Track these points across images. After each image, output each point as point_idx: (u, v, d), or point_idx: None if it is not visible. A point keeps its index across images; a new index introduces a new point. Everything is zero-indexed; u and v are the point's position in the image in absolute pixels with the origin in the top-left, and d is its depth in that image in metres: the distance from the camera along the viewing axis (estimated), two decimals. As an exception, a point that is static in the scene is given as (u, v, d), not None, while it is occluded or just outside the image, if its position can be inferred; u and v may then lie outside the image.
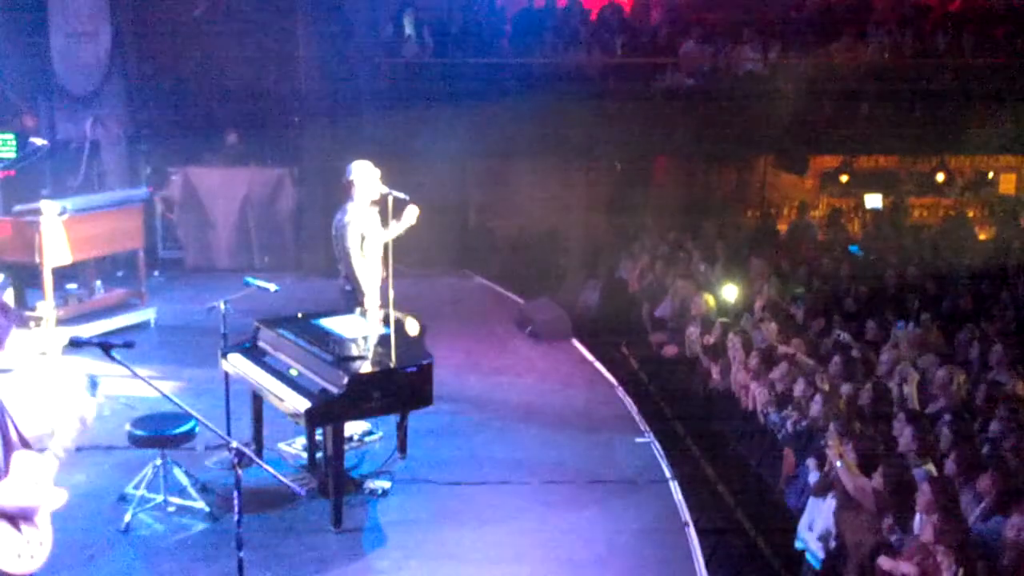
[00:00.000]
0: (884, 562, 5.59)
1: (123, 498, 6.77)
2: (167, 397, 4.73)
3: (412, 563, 6.29)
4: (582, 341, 11.00)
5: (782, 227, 15.63)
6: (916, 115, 14.45)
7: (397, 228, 7.79)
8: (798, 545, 6.67)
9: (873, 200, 16.61)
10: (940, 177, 17.32)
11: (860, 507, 6.07)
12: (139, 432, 6.68)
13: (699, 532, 6.82)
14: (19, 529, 4.10)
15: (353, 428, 7.72)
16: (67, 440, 4.32)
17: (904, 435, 6.62)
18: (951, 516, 5.35)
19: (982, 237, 15.59)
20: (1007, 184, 17.69)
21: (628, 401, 9.31)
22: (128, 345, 4.54)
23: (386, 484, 7.22)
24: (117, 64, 13.32)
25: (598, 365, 10.34)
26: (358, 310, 7.66)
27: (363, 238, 7.70)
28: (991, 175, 17.68)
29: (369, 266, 7.77)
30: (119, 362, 4.50)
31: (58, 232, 9.77)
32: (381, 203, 7.56)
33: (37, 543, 4.17)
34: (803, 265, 12.05)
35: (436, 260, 13.59)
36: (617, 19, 15.34)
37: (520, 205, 14.53)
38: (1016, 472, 6.12)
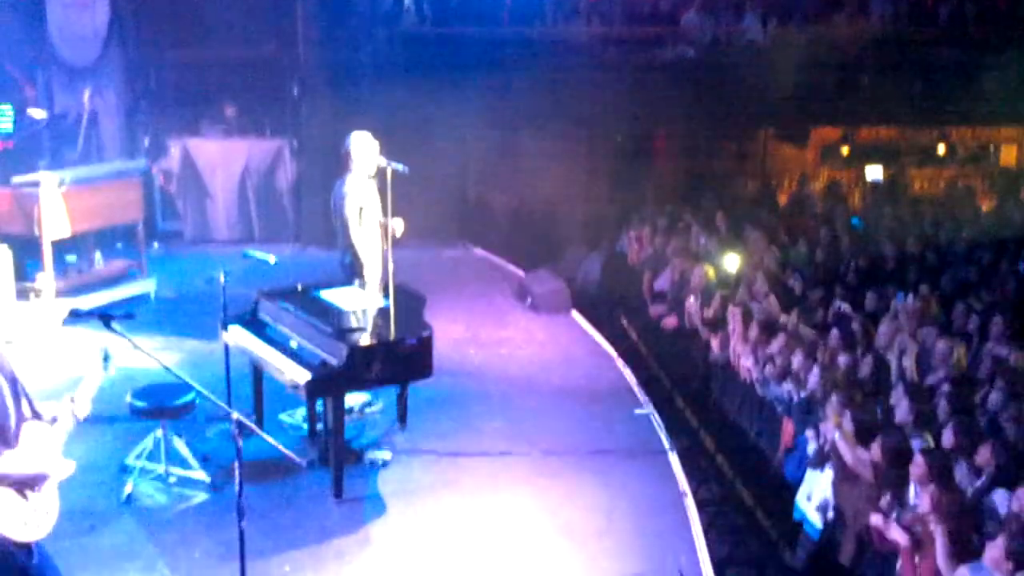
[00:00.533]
0: (875, 519, 5.63)
1: (124, 469, 6.81)
2: (167, 368, 4.74)
3: (412, 532, 6.34)
4: (582, 313, 11.02)
5: (782, 199, 15.59)
6: (917, 87, 14.39)
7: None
8: (796, 516, 6.71)
9: (874, 172, 16.56)
10: (941, 149, 17.28)
11: (858, 478, 6.10)
12: (140, 403, 6.71)
13: (697, 503, 6.88)
14: (25, 497, 4.13)
15: (353, 399, 7.75)
16: (78, 411, 4.34)
17: (901, 407, 6.64)
18: (946, 487, 5.38)
19: (983, 208, 15.55)
20: (1008, 156, 17.64)
21: (628, 372, 9.34)
22: (128, 316, 4.56)
23: (386, 455, 7.26)
24: (115, 35, 13.22)
25: (598, 337, 10.37)
26: (357, 282, 7.66)
27: (361, 210, 7.68)
28: (992, 147, 17.63)
29: (368, 238, 7.75)
30: (119, 333, 4.52)
31: (57, 204, 9.75)
32: (380, 174, 7.54)
33: (43, 512, 4.20)
34: (803, 237, 12.03)
35: (436, 232, 13.57)
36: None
37: (520, 177, 14.47)
38: (1015, 444, 6.16)
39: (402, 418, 7.77)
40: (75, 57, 12.86)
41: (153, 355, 4.63)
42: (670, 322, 10.43)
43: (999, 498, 5.63)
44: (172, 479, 6.75)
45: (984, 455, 5.90)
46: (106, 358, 4.40)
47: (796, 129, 15.49)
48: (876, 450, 5.98)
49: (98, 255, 10.95)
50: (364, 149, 7.69)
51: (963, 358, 7.78)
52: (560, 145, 14.09)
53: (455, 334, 9.79)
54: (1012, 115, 14.99)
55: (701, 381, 9.32)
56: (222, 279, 7.33)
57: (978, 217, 14.13)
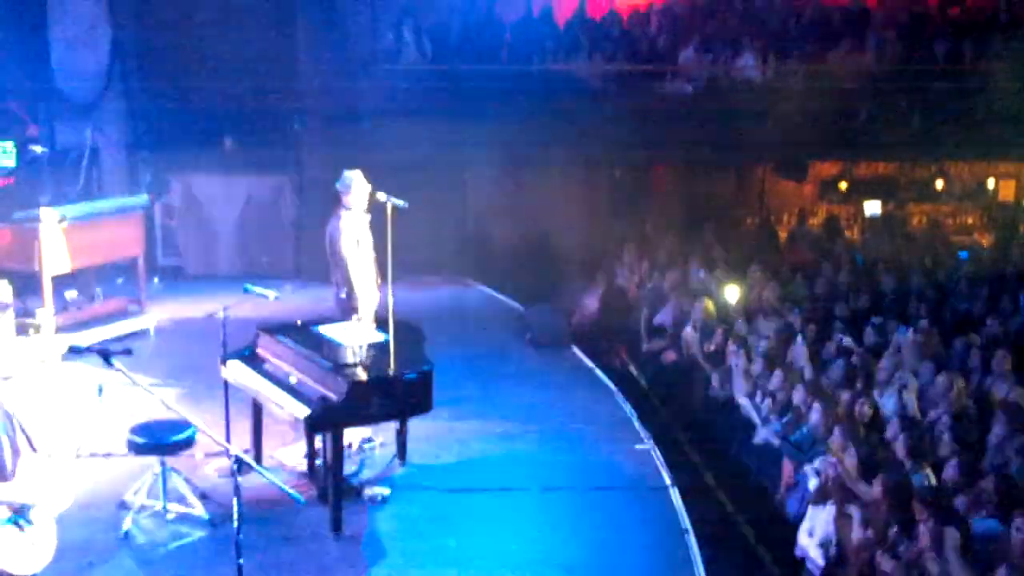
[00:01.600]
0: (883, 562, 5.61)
1: (122, 505, 6.77)
2: (166, 404, 4.73)
3: (412, 570, 6.30)
4: (581, 347, 11.00)
5: (782, 234, 15.64)
6: (915, 122, 14.48)
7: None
8: (798, 552, 6.66)
9: (872, 207, 16.62)
10: (939, 184, 17.35)
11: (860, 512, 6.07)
12: (138, 439, 6.68)
13: (699, 539, 6.82)
14: (22, 530, 4.11)
15: (352, 435, 7.72)
16: (77, 446, 4.35)
17: (899, 442, 6.62)
18: (945, 523, 5.35)
19: (982, 243, 15.60)
20: (1006, 191, 17.71)
21: (628, 407, 9.31)
22: (127, 352, 4.55)
23: (385, 491, 7.22)
24: (117, 72, 13.34)
25: (598, 372, 10.35)
26: (355, 317, 7.67)
27: (358, 243, 7.72)
28: (990, 182, 17.71)
29: (364, 273, 7.77)
30: (118, 369, 4.51)
31: (58, 239, 9.78)
32: (379, 210, 7.57)
33: (41, 545, 4.17)
34: (802, 271, 12.07)
35: (436, 267, 13.60)
36: (616, 27, 15.37)
37: (520, 212, 14.52)
38: (1016, 478, 6.14)
39: (401, 454, 7.74)
40: (77, 93, 12.93)
41: (152, 391, 4.63)
42: (669, 356, 10.42)
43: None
44: (170, 516, 6.71)
45: (986, 488, 5.88)
46: (100, 391, 4.41)
47: (795, 164, 15.55)
48: (877, 488, 5.96)
49: (98, 291, 10.97)
50: (357, 187, 7.74)
51: (963, 393, 7.77)
52: (559, 180, 14.16)
53: (455, 369, 9.76)
54: (1009, 150, 15.05)
55: (702, 416, 9.29)
56: (222, 315, 7.33)
57: (977, 252, 14.17)
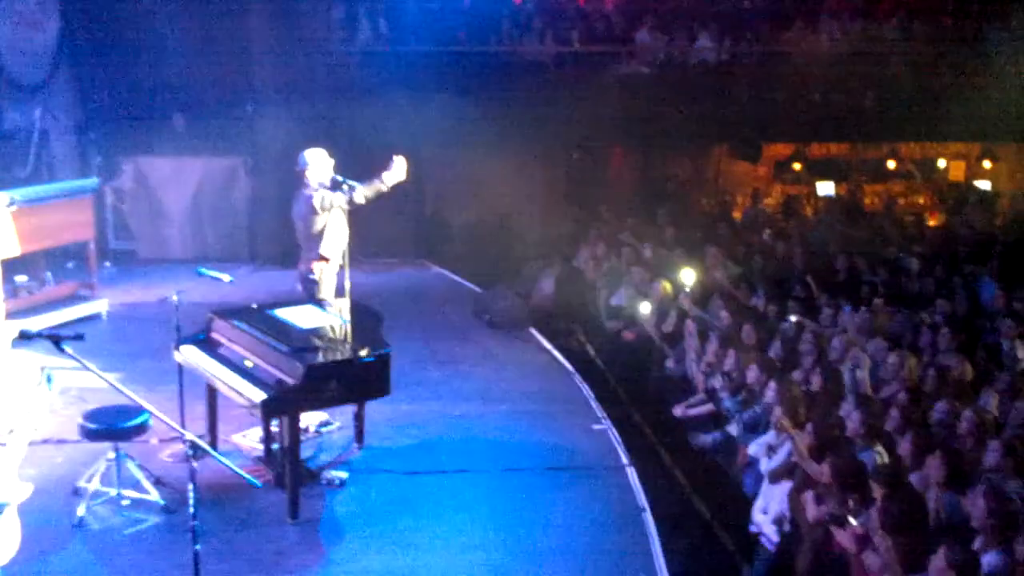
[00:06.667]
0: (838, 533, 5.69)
1: (76, 492, 6.69)
2: (119, 390, 4.68)
3: (370, 553, 6.30)
4: (539, 329, 11.03)
5: (737, 215, 15.77)
6: (867, 103, 14.65)
7: (390, 179, 7.56)
8: (752, 529, 6.75)
9: (825, 187, 16.82)
10: (891, 164, 17.60)
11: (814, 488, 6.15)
12: (91, 425, 6.61)
13: (656, 518, 6.89)
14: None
15: (309, 419, 7.69)
16: (28, 434, 4.28)
17: (852, 419, 6.72)
18: (894, 498, 5.43)
19: (932, 223, 15.86)
20: (956, 171, 18.00)
21: (585, 388, 9.36)
22: (79, 337, 4.49)
23: (343, 475, 7.20)
24: (66, 53, 13.09)
25: (555, 353, 10.39)
26: (319, 296, 7.65)
27: (325, 226, 7.67)
28: (941, 162, 17.98)
29: (332, 252, 7.75)
30: (70, 355, 4.45)
31: (7, 223, 9.60)
32: (335, 190, 7.55)
33: (7, 537, 4.11)
34: (757, 251, 12.18)
35: (393, 250, 13.56)
36: (572, 7, 15.37)
37: (477, 194, 14.51)
38: (963, 453, 6.26)
39: (359, 437, 7.72)
40: (25, 75, 12.67)
41: (105, 376, 4.57)
42: (628, 335, 10.48)
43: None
44: (125, 502, 6.65)
45: (934, 464, 5.98)
46: (49, 379, 4.35)
47: (749, 146, 15.69)
48: (826, 468, 6.03)
49: (49, 275, 10.81)
50: (319, 165, 7.68)
51: (914, 370, 7.89)
52: (516, 162, 14.15)
53: (413, 351, 9.75)
54: (960, 131, 15.29)
55: (658, 395, 9.36)
56: (175, 299, 7.25)
57: (927, 231, 14.40)
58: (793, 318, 9.39)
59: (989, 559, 5.04)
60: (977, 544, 5.19)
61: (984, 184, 17.26)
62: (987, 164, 17.13)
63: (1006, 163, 17.34)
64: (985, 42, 14.72)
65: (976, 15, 15.06)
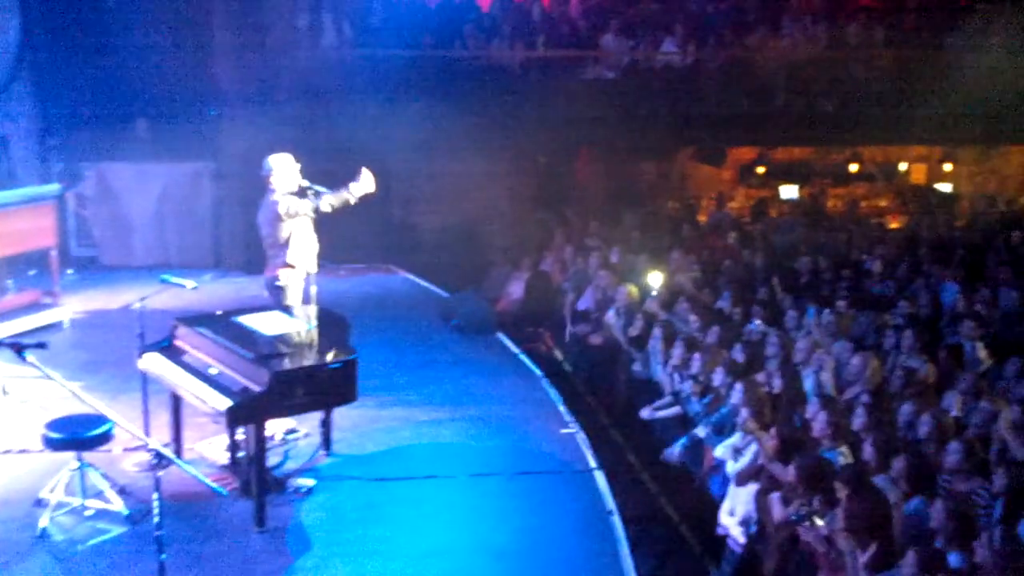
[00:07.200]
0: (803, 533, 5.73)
1: (38, 502, 6.60)
2: (82, 399, 4.63)
3: (338, 561, 6.26)
4: (507, 333, 11.04)
5: (702, 218, 15.88)
6: (829, 107, 14.81)
7: (357, 191, 7.63)
8: (720, 531, 6.80)
9: (788, 191, 16.98)
10: (854, 168, 17.80)
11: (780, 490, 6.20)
12: (54, 434, 6.52)
13: (624, 520, 6.91)
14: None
15: (276, 426, 7.65)
16: None
17: (818, 420, 6.78)
18: (859, 500, 5.49)
19: (894, 225, 16.06)
20: (918, 174, 18.24)
21: (553, 392, 9.37)
22: (41, 346, 4.45)
23: (310, 482, 7.16)
24: (26, 57, 12.93)
25: (523, 357, 10.39)
26: (286, 301, 7.62)
27: (292, 232, 7.65)
28: (903, 166, 18.21)
29: (299, 256, 7.72)
30: (32, 364, 4.41)
31: (-34, 231, 9.48)
32: (301, 195, 7.53)
33: None
34: (722, 254, 12.28)
35: (360, 255, 13.49)
36: (538, 12, 15.40)
37: (443, 199, 14.49)
38: (926, 455, 6.33)
39: (326, 444, 7.68)
40: (-16, 79, 12.53)
41: (68, 385, 4.52)
42: (595, 340, 10.51)
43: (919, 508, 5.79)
44: (89, 512, 6.57)
45: (899, 466, 6.04)
46: (3, 393, 4.31)
47: (714, 150, 15.80)
48: (792, 470, 6.08)
49: (10, 283, 10.67)
50: (284, 170, 7.65)
51: (878, 372, 7.98)
52: (482, 166, 14.14)
53: (380, 357, 9.71)
54: (921, 135, 15.49)
55: (625, 398, 9.40)
56: (138, 306, 7.18)
57: (890, 233, 14.57)
58: (757, 321, 9.47)
59: (953, 560, 5.11)
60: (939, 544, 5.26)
61: (945, 187, 17.51)
62: (948, 167, 17.37)
63: (966, 166, 17.60)
64: (946, 47, 14.94)
65: (937, 20, 15.25)
